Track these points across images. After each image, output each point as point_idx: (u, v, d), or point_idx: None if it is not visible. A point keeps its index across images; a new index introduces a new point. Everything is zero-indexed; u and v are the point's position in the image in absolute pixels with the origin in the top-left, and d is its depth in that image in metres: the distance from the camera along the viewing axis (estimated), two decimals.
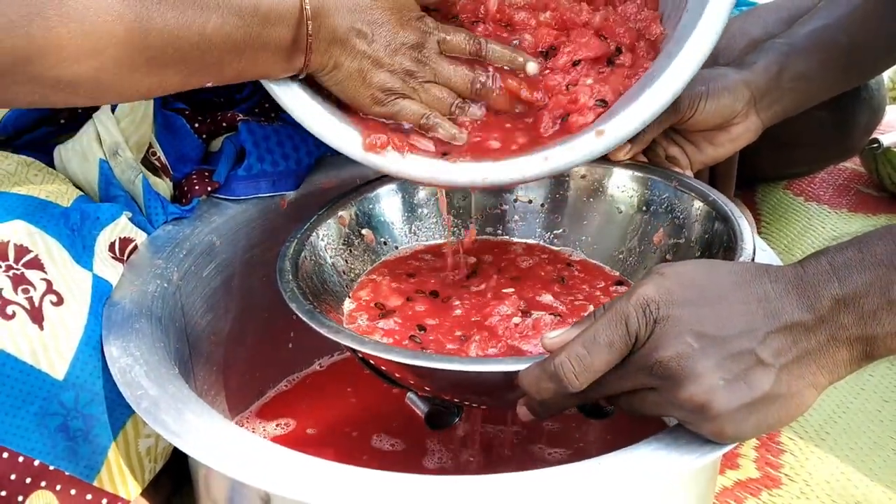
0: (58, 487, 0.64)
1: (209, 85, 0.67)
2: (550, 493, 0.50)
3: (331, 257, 0.77)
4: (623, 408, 0.56)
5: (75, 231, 0.67)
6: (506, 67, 0.75)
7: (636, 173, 0.81)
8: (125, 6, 0.57)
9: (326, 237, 0.77)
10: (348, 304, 0.75)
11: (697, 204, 0.75)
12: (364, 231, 0.81)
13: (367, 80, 0.70)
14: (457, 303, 0.74)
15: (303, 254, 0.73)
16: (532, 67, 0.75)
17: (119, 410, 0.66)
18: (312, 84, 0.73)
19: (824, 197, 1.28)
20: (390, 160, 0.71)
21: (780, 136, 0.96)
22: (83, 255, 0.67)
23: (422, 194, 0.84)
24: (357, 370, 0.93)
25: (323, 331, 0.64)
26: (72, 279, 0.64)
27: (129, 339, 0.63)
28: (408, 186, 0.83)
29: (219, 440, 0.54)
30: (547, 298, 0.74)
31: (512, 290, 0.75)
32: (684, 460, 0.52)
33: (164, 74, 0.63)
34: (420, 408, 0.68)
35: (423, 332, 0.71)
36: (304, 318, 0.65)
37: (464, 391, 0.65)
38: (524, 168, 0.71)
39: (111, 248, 0.71)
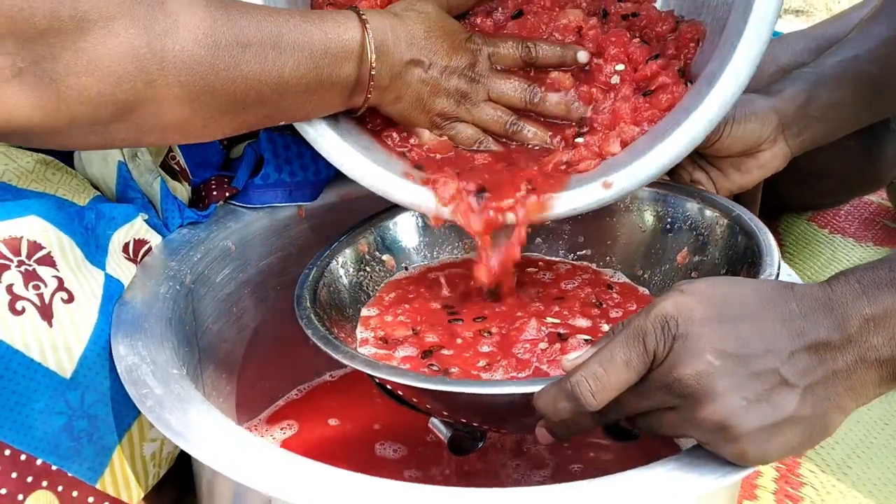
0: (59, 488, 0.63)
1: (282, 123, 0.70)
2: None
3: (350, 283, 0.76)
4: (641, 428, 0.54)
5: (89, 230, 0.67)
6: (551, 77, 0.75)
7: (659, 191, 0.79)
8: (216, 58, 0.61)
9: (346, 264, 0.77)
10: (362, 330, 0.74)
11: (721, 221, 0.74)
12: (385, 257, 0.80)
13: (426, 107, 0.72)
14: (481, 328, 0.72)
15: (321, 281, 0.73)
16: (583, 56, 0.76)
17: (125, 412, 0.65)
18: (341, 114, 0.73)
19: (849, 230, 1.25)
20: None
21: (806, 167, 0.95)
22: (96, 254, 0.67)
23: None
24: (369, 383, 0.92)
25: (338, 356, 0.63)
26: (84, 278, 0.64)
27: (138, 338, 0.62)
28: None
29: (223, 441, 0.53)
30: (581, 322, 0.72)
31: (541, 307, 0.73)
32: (703, 482, 0.50)
33: (244, 116, 0.66)
34: (443, 433, 0.66)
35: (441, 354, 0.69)
36: (320, 345, 0.65)
37: (481, 415, 0.64)
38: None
39: (125, 248, 0.70)
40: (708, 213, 0.76)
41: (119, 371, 0.59)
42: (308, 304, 0.69)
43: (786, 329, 0.50)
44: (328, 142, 0.72)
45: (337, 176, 0.88)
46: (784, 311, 0.50)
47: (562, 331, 0.70)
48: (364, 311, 0.75)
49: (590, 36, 0.78)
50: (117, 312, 0.64)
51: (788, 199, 1.17)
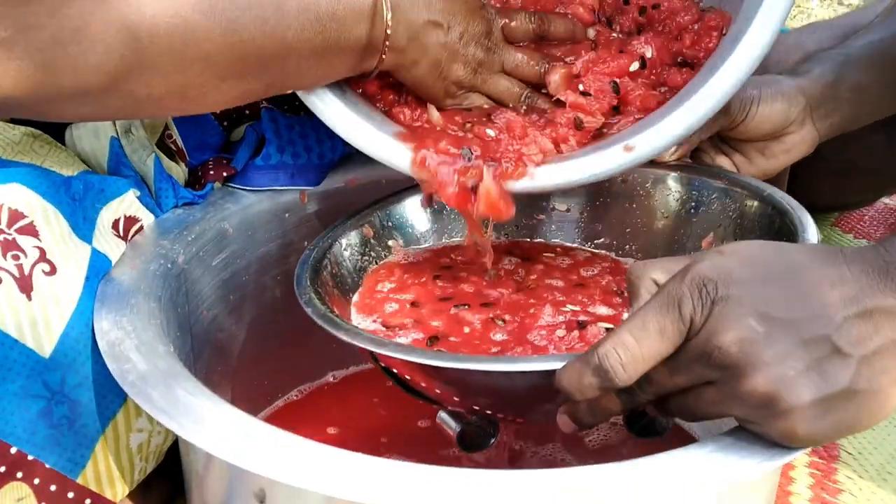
0: (35, 481, 0.58)
1: (289, 92, 0.66)
2: (579, 495, 0.43)
3: (354, 268, 0.72)
4: (675, 411, 0.49)
5: (77, 201, 0.62)
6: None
7: (681, 174, 0.75)
8: (212, 23, 0.57)
9: (350, 247, 0.72)
10: (359, 318, 0.69)
11: (751, 201, 0.69)
12: (391, 242, 0.75)
13: (444, 74, 0.68)
14: (492, 315, 0.67)
15: (323, 262, 0.68)
16: (591, 32, 0.73)
17: (110, 398, 0.59)
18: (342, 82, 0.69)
19: (875, 234, 1.20)
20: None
21: (835, 162, 0.91)
22: (83, 226, 0.62)
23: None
24: (373, 384, 0.87)
25: (340, 334, 0.58)
26: (68, 250, 0.59)
27: (123, 313, 0.57)
28: (437, 196, 0.78)
29: (211, 419, 0.48)
30: (602, 310, 0.66)
31: (560, 297, 0.68)
32: (746, 465, 0.44)
33: (246, 85, 0.62)
34: (451, 427, 0.61)
35: (449, 342, 0.64)
36: (320, 322, 0.60)
37: (496, 399, 0.58)
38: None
39: (115, 225, 0.66)
40: (736, 193, 0.71)
41: (101, 346, 0.54)
42: (308, 283, 0.64)
43: (837, 292, 0.44)
44: (334, 111, 0.67)
45: (342, 160, 0.84)
46: (834, 274, 0.45)
47: (582, 318, 0.65)
48: (355, 298, 0.70)
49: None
50: (102, 288, 0.60)
51: (815, 196, 1.12)
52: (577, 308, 0.66)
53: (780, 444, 0.45)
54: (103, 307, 0.58)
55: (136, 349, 0.53)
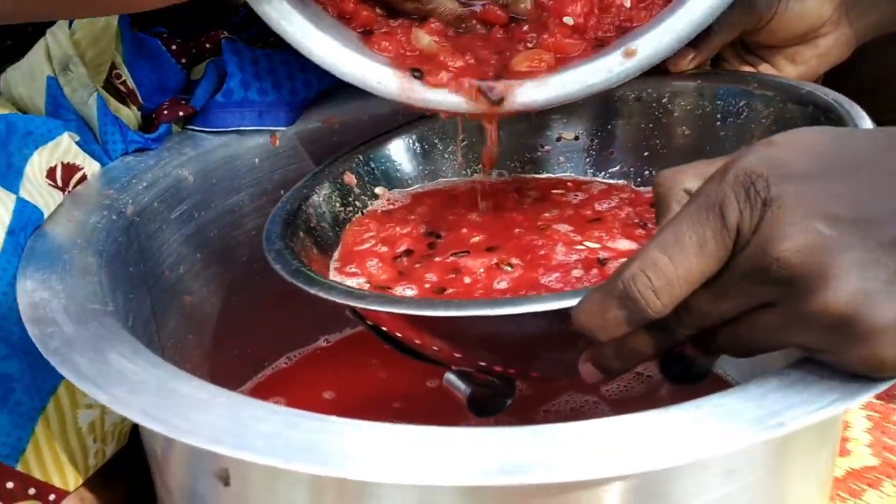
0: None
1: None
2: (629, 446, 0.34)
3: (335, 220, 0.62)
4: (723, 346, 0.39)
5: None
6: None
7: (702, 83, 0.65)
8: None
9: (330, 197, 0.63)
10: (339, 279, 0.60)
11: (786, 104, 0.60)
12: (378, 190, 0.66)
13: None
14: (496, 259, 0.58)
15: (299, 215, 0.59)
16: None
17: (48, 369, 0.50)
18: None
19: None
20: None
21: (870, 77, 0.81)
22: (7, 174, 0.53)
23: (447, 141, 0.69)
24: (371, 347, 0.78)
25: (314, 290, 0.49)
26: None
27: (52, 270, 0.48)
28: (429, 135, 0.69)
29: (151, 387, 0.39)
30: (624, 244, 0.57)
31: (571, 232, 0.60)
32: (818, 403, 0.35)
33: None
34: (460, 390, 0.52)
35: (448, 295, 0.55)
36: (290, 278, 0.51)
37: (503, 352, 0.49)
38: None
39: (50, 174, 0.57)
40: (768, 96, 0.62)
41: (21, 309, 0.45)
42: (278, 239, 0.55)
43: None
44: (295, 25, 0.58)
45: (319, 98, 0.74)
46: None
47: (602, 254, 0.56)
48: (334, 257, 0.61)
49: None
50: (31, 245, 0.51)
51: None
52: (596, 245, 0.57)
53: (860, 374, 0.36)
54: (30, 265, 0.49)
55: (63, 310, 0.44)
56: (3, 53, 0.68)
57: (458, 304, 0.46)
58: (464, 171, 0.69)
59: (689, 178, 0.41)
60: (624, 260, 0.55)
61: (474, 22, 0.62)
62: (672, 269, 0.36)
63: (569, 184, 0.68)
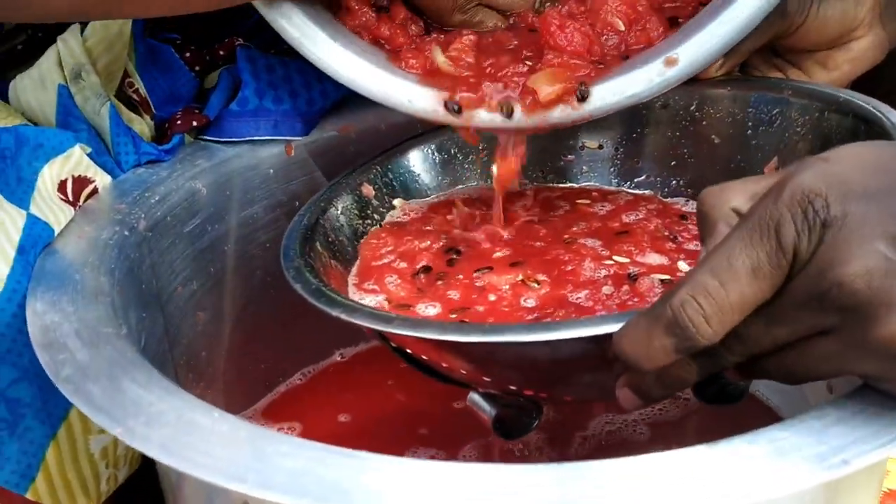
0: None
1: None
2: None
3: (354, 234, 0.61)
4: (771, 373, 0.37)
5: (7, 159, 0.51)
6: None
7: (733, 90, 0.63)
8: None
9: (347, 210, 0.61)
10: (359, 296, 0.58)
11: (823, 112, 0.58)
12: (396, 202, 0.64)
13: None
14: (521, 275, 0.56)
15: (316, 229, 0.57)
16: None
17: (59, 394, 0.48)
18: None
19: None
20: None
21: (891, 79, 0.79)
22: (17, 189, 0.51)
23: (467, 152, 0.68)
24: (389, 362, 0.77)
25: (336, 312, 0.47)
26: None
27: (64, 291, 0.46)
28: (447, 145, 0.67)
29: (169, 417, 0.37)
30: (654, 259, 0.55)
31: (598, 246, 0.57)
32: (883, 436, 0.33)
33: None
34: (486, 411, 0.50)
35: (475, 311, 0.53)
36: (311, 299, 0.49)
37: (538, 376, 0.47)
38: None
39: (61, 188, 0.55)
40: (803, 104, 0.59)
41: (31, 333, 0.43)
42: (297, 255, 0.53)
43: None
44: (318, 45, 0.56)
45: (335, 108, 0.72)
46: None
47: (632, 269, 0.54)
48: (353, 272, 0.59)
49: None
50: (41, 263, 0.49)
51: None
52: (625, 259, 0.55)
53: None
54: (39, 285, 0.47)
55: (75, 334, 0.42)
56: (14, 57, 0.66)
57: (493, 328, 0.44)
58: (484, 182, 0.68)
59: (735, 195, 0.38)
60: (655, 276, 0.54)
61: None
62: (724, 294, 0.34)
63: (594, 194, 0.66)
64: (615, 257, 0.56)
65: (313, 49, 0.58)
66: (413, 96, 0.57)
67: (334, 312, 0.47)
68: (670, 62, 0.55)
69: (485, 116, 0.56)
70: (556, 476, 0.33)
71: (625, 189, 0.66)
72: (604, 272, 0.54)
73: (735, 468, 0.32)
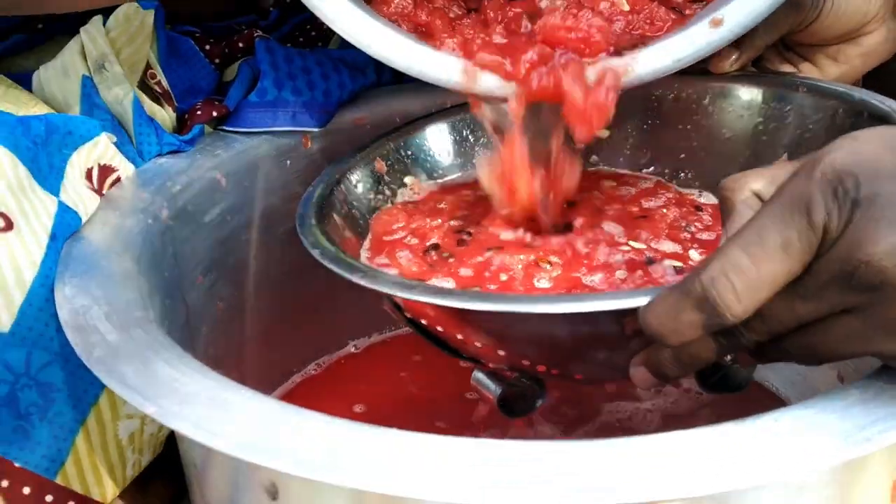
0: (4, 483, 0.48)
1: None
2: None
3: (368, 209, 0.61)
4: (792, 352, 0.38)
5: (38, 145, 0.52)
6: None
7: (747, 85, 0.63)
8: None
9: (360, 184, 0.61)
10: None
11: (837, 110, 0.58)
12: (407, 179, 0.64)
13: None
14: (534, 256, 0.56)
15: (332, 200, 0.57)
16: None
17: (90, 379, 0.49)
18: None
19: None
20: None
21: None
22: (49, 175, 0.52)
23: (479, 131, 0.68)
24: (401, 353, 0.77)
25: (356, 279, 0.47)
26: (29, 203, 0.49)
27: (91, 276, 0.47)
28: (460, 123, 0.67)
29: (200, 397, 0.37)
30: (667, 246, 0.55)
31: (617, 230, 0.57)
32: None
33: None
34: (490, 390, 0.51)
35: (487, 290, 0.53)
36: (330, 265, 0.49)
37: (550, 351, 0.47)
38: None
39: (88, 175, 0.55)
40: (817, 101, 0.60)
41: (61, 316, 0.44)
42: (314, 222, 0.53)
43: None
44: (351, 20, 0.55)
45: (351, 98, 0.73)
46: None
47: (649, 255, 0.54)
48: (364, 247, 0.59)
49: None
50: (68, 249, 0.49)
51: None
52: (643, 246, 0.55)
53: None
54: (67, 270, 0.47)
55: (105, 318, 0.43)
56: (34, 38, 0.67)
57: (519, 298, 0.44)
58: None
59: (756, 180, 0.39)
60: (668, 262, 0.54)
61: None
62: (755, 271, 0.35)
63: (625, 177, 0.66)
64: (631, 242, 0.56)
65: (348, 25, 0.56)
66: (446, 67, 0.55)
67: (354, 278, 0.46)
68: (715, 23, 0.54)
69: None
70: (584, 454, 0.34)
71: (642, 175, 0.66)
72: (619, 257, 0.54)
73: (763, 444, 0.33)
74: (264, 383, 0.72)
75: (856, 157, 0.34)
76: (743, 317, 0.36)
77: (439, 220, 0.59)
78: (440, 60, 0.56)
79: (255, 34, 0.70)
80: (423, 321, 0.49)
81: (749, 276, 0.35)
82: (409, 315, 0.49)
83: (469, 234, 0.58)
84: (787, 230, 0.34)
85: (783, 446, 0.33)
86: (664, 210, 0.59)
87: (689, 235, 0.58)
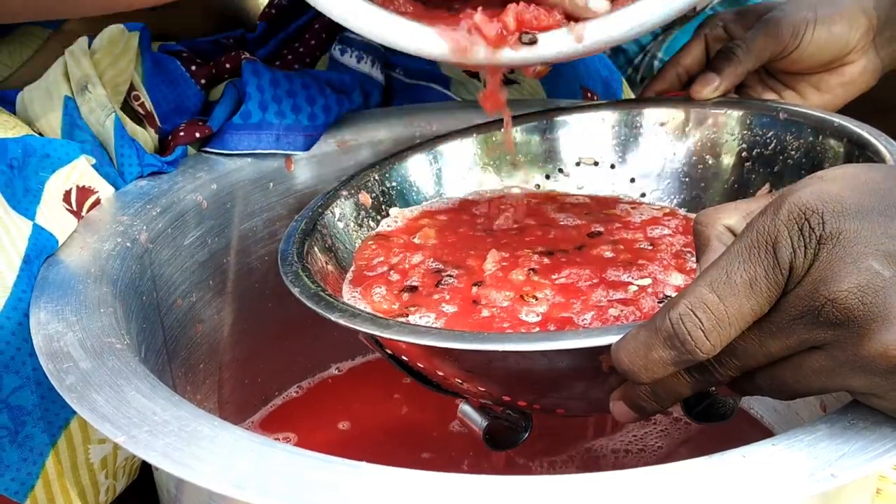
0: None
1: None
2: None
3: (350, 242, 0.61)
4: (763, 387, 0.38)
5: (14, 168, 0.52)
6: None
7: (728, 111, 0.64)
8: None
9: (344, 217, 0.61)
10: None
11: (818, 137, 0.58)
12: (392, 211, 0.64)
13: None
14: (523, 291, 0.56)
15: (314, 235, 0.57)
16: None
17: (60, 403, 0.49)
18: None
19: None
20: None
21: (882, 101, 0.80)
22: (23, 199, 0.52)
23: (464, 161, 0.68)
24: (384, 376, 0.77)
25: (334, 317, 0.47)
26: (1, 225, 0.49)
27: (66, 301, 0.47)
28: (443, 155, 0.67)
29: (172, 426, 0.37)
30: (677, 279, 0.54)
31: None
32: (871, 452, 0.33)
33: None
34: (476, 422, 0.50)
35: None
36: (309, 303, 0.49)
37: (529, 387, 0.48)
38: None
39: (66, 197, 0.55)
40: (798, 128, 0.60)
41: (35, 342, 0.44)
42: (295, 259, 0.53)
43: None
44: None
45: (336, 123, 0.73)
46: None
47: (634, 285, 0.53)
48: (347, 278, 0.59)
49: None
50: (44, 273, 0.49)
51: None
52: (645, 282, 0.54)
53: None
54: (42, 295, 0.47)
55: (79, 344, 0.43)
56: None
57: (491, 337, 0.44)
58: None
59: (729, 214, 0.39)
60: (659, 293, 0.54)
61: None
62: (722, 308, 0.35)
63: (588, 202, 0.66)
64: (633, 280, 0.54)
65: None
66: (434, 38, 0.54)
67: (332, 317, 0.47)
68: None
69: (510, 53, 0.53)
70: (548, 487, 0.33)
71: (635, 200, 0.66)
72: (612, 294, 0.53)
73: (731, 480, 0.33)
74: (245, 406, 0.72)
75: (821, 196, 0.35)
76: (712, 353, 0.36)
77: (420, 255, 0.59)
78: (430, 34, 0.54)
79: (243, 56, 0.70)
80: (404, 357, 0.49)
81: (717, 314, 0.35)
82: (389, 352, 0.49)
83: (451, 275, 0.58)
84: (754, 268, 0.35)
85: (750, 483, 0.33)
86: (670, 240, 0.58)
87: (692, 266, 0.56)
